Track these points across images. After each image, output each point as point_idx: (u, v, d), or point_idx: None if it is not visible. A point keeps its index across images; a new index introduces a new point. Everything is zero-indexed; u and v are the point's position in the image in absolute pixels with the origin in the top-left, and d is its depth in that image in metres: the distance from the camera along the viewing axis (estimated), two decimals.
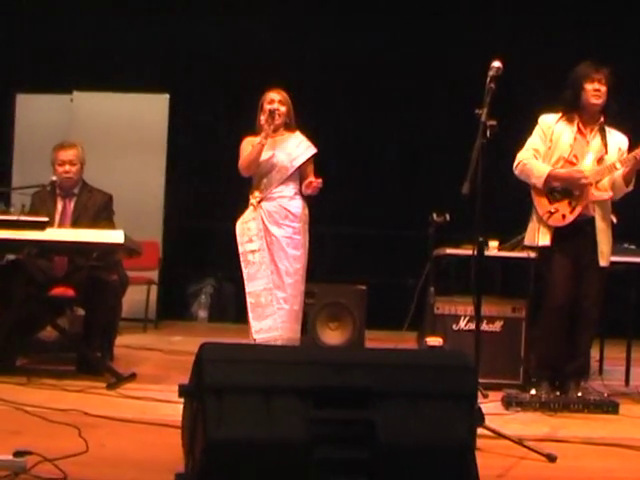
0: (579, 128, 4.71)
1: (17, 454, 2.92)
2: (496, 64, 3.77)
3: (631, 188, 4.68)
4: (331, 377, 2.22)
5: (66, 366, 5.09)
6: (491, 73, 3.75)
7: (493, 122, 3.59)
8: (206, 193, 8.20)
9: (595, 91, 4.62)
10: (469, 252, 4.69)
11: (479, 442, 3.47)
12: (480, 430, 3.55)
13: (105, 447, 3.27)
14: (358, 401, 2.20)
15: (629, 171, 4.59)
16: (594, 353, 5.76)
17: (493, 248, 5.41)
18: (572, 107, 4.70)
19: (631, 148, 4.69)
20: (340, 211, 8.49)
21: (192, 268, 8.54)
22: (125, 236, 4.52)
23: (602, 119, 4.71)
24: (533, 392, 4.55)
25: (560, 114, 4.75)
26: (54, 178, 5.16)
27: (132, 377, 4.80)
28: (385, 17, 8.52)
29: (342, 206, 8.49)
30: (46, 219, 4.58)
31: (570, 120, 4.72)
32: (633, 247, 5.23)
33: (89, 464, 2.99)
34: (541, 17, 8.36)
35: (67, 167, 5.20)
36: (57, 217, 5.23)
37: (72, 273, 5.08)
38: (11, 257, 5.39)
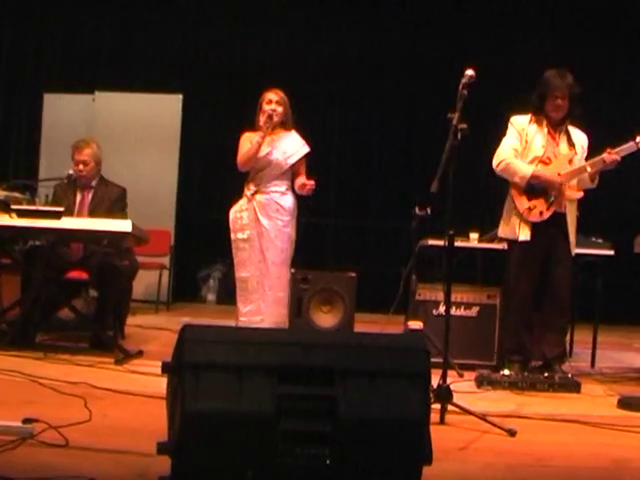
0: (548, 130, 4.74)
1: (25, 421, 2.99)
2: (469, 72, 3.79)
3: (596, 184, 4.71)
4: (297, 357, 2.28)
5: (81, 343, 5.15)
6: (464, 80, 3.77)
7: (464, 125, 3.62)
8: (215, 186, 8.20)
9: (556, 106, 4.66)
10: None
11: (448, 418, 3.56)
12: (450, 407, 3.62)
13: (107, 417, 3.33)
14: (321, 379, 2.24)
15: (595, 171, 4.64)
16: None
17: (474, 239, 5.42)
18: (539, 112, 4.74)
19: (590, 145, 4.75)
20: (335, 204, 8.55)
21: (202, 255, 8.59)
22: (133, 225, 4.57)
23: (567, 122, 4.75)
24: (504, 372, 4.57)
25: (530, 115, 4.77)
26: (71, 172, 5.24)
27: (139, 354, 4.86)
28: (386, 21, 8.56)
29: (337, 199, 8.56)
30: (61, 209, 4.64)
31: (539, 122, 4.74)
32: (600, 240, 5.25)
33: (90, 432, 3.05)
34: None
35: (80, 167, 5.27)
36: (76, 207, 5.30)
37: (86, 258, 5.16)
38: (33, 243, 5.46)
